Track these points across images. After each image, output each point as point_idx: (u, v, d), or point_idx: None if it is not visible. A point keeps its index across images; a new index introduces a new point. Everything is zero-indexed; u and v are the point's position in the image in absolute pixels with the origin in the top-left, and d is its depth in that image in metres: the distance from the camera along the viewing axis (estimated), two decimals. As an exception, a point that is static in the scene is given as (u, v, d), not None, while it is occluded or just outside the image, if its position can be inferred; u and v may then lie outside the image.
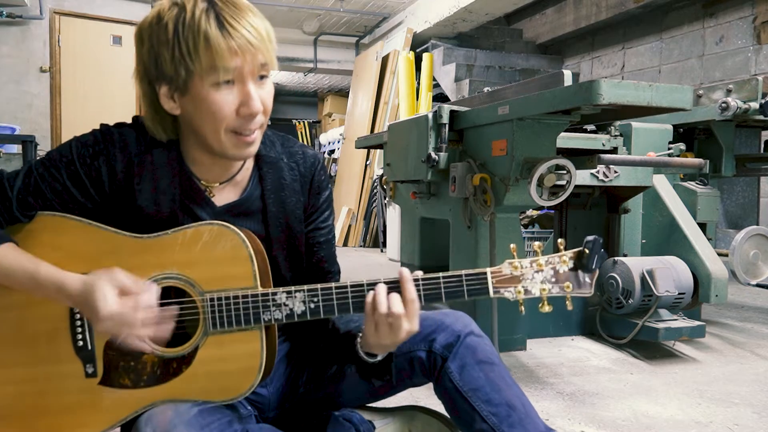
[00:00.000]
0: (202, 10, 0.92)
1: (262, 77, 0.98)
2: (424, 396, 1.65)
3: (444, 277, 0.99)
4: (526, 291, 0.99)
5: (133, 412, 0.98)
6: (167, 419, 0.91)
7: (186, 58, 0.92)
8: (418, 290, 0.99)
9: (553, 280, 1.00)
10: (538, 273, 1.00)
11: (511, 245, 1.01)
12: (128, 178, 1.02)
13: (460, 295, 0.99)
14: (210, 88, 0.94)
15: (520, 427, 1.06)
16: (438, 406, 1.19)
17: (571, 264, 0.99)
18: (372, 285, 0.99)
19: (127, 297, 0.92)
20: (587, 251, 0.98)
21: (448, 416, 1.16)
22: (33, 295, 0.97)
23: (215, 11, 0.92)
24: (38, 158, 1.03)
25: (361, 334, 1.05)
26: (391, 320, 0.97)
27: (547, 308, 1.00)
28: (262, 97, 0.98)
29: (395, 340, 0.99)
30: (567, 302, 1.02)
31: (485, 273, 0.99)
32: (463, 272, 0.99)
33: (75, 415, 0.99)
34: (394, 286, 0.98)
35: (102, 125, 1.06)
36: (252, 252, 0.99)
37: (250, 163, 1.12)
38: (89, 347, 0.99)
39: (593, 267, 0.98)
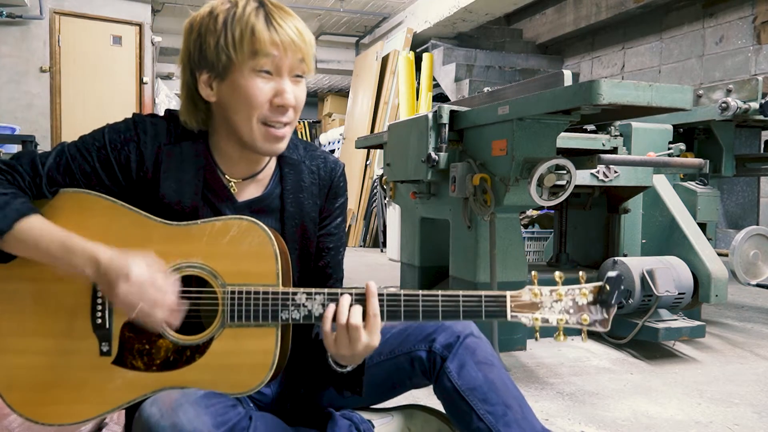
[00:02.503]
0: (253, 8, 0.99)
1: (298, 76, 1.03)
2: (424, 396, 1.65)
3: (464, 296, 1.00)
4: (544, 319, 1.00)
5: (142, 395, 0.99)
6: (173, 399, 0.92)
7: (229, 46, 0.98)
8: (436, 306, 1.00)
9: (571, 311, 1.01)
10: (557, 303, 1.01)
11: (533, 272, 1.02)
12: (155, 166, 1.05)
13: (477, 315, 1.00)
14: (248, 74, 0.99)
15: (516, 427, 1.07)
16: (437, 406, 1.19)
17: (590, 297, 1.01)
18: (392, 296, 1.00)
19: (156, 276, 0.95)
20: (608, 287, 0.99)
21: (450, 418, 1.16)
22: (58, 266, 0.97)
23: (265, 11, 1.00)
24: (71, 141, 1.07)
25: None
26: (350, 332, 0.98)
27: (562, 338, 1.01)
28: (295, 93, 1.02)
29: (353, 352, 0.99)
30: (582, 335, 1.02)
31: (505, 297, 1.00)
32: (483, 293, 1.01)
33: (83, 391, 1.00)
34: (360, 298, 0.99)
35: (135, 114, 1.09)
36: (277, 250, 1.01)
37: (273, 163, 1.15)
38: (107, 326, 1.00)
39: (612, 303, 0.99)
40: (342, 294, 0.99)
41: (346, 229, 6.71)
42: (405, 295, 1.00)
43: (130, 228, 1.02)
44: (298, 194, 1.14)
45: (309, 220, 1.16)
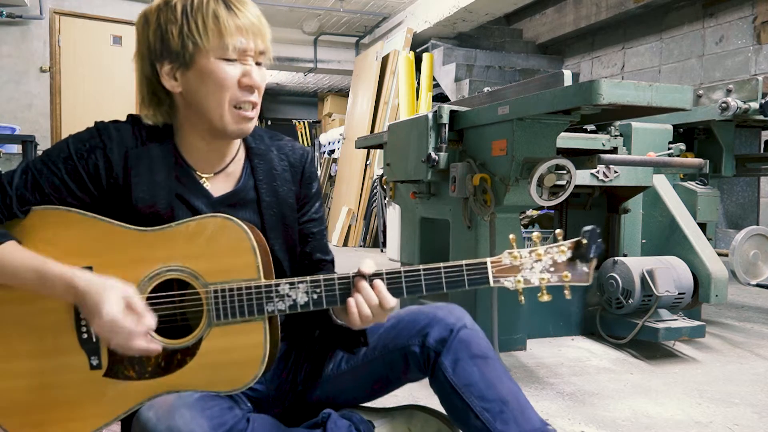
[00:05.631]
0: None
1: (259, 63, 1.05)
2: (424, 396, 1.65)
3: (445, 267, 1.00)
4: (526, 280, 1.01)
5: (138, 403, 0.99)
6: (169, 403, 0.92)
7: (194, 33, 0.98)
8: (419, 280, 1.00)
9: (552, 269, 1.01)
10: (537, 263, 1.01)
11: (510, 236, 1.03)
12: (125, 171, 1.04)
13: (461, 285, 1.00)
14: (215, 60, 1.00)
15: (513, 424, 1.06)
16: (437, 406, 1.19)
17: (569, 254, 1.01)
18: (375, 275, 1.00)
19: (131, 312, 0.94)
20: (585, 241, 1.00)
21: (447, 414, 1.16)
22: (38, 293, 0.97)
23: None
24: (35, 156, 1.05)
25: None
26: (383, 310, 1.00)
27: (546, 297, 1.02)
28: (260, 74, 1.04)
29: (379, 320, 1.03)
30: (566, 291, 1.03)
31: (485, 263, 1.01)
32: (464, 262, 1.01)
33: (79, 407, 1.00)
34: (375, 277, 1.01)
35: (97, 122, 1.08)
36: (255, 244, 1.01)
37: (241, 155, 1.15)
38: (94, 339, 1.00)
39: (591, 256, 1.00)
40: (354, 277, 1.00)
41: (346, 228, 6.67)
42: (387, 273, 1.00)
43: (104, 239, 1.01)
44: (272, 183, 1.15)
45: (287, 206, 1.16)
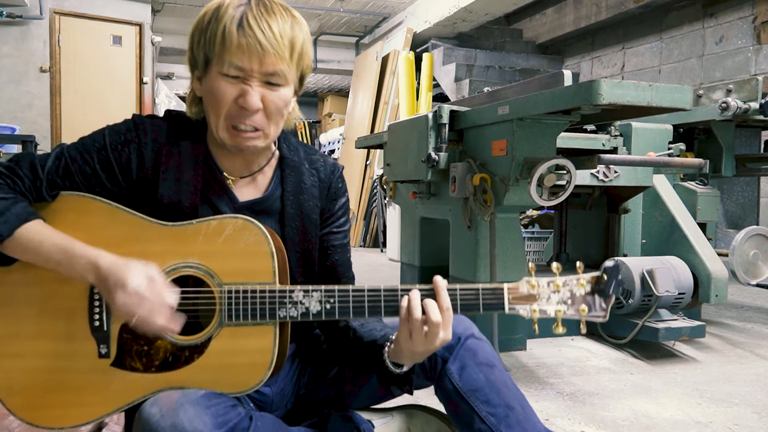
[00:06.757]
0: (235, 6, 0.99)
1: (271, 84, 1.01)
2: (424, 396, 1.64)
3: (461, 289, 1.00)
4: (541, 311, 1.00)
5: (141, 396, 0.99)
6: (174, 399, 0.92)
7: (206, 46, 1.00)
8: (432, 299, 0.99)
9: (569, 302, 1.00)
10: (554, 294, 1.00)
11: (531, 264, 1.01)
12: (155, 167, 1.05)
13: (475, 308, 1.00)
14: (218, 75, 1.00)
15: (518, 428, 1.07)
16: (438, 406, 1.19)
17: (588, 288, 1.00)
18: (389, 291, 0.99)
19: (154, 288, 0.94)
20: (605, 277, 0.99)
21: (452, 420, 1.16)
22: (59, 270, 0.97)
23: (243, 9, 0.99)
24: (70, 143, 1.07)
25: (389, 344, 1.06)
26: (426, 328, 0.97)
27: (561, 329, 1.00)
28: (268, 98, 1.01)
29: (429, 348, 0.99)
30: (581, 326, 1.02)
31: (502, 289, 1.00)
32: (480, 286, 1.00)
33: (84, 393, 1.00)
34: (428, 293, 0.99)
35: (135, 115, 1.09)
36: (274, 249, 1.01)
37: (273, 163, 1.14)
38: (105, 328, 1.00)
39: (610, 293, 0.99)
40: (410, 290, 0.99)
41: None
42: (402, 290, 1.00)
43: (126, 230, 1.02)
44: (299, 196, 1.14)
45: (309, 222, 1.15)
